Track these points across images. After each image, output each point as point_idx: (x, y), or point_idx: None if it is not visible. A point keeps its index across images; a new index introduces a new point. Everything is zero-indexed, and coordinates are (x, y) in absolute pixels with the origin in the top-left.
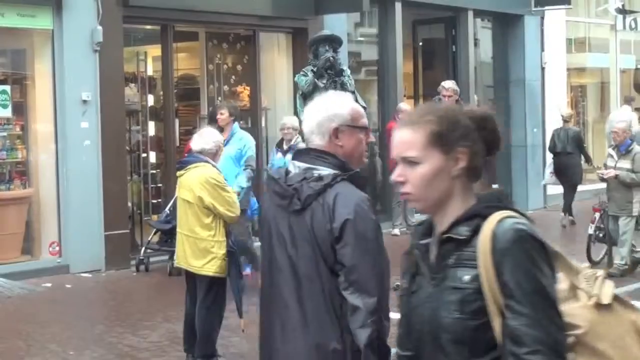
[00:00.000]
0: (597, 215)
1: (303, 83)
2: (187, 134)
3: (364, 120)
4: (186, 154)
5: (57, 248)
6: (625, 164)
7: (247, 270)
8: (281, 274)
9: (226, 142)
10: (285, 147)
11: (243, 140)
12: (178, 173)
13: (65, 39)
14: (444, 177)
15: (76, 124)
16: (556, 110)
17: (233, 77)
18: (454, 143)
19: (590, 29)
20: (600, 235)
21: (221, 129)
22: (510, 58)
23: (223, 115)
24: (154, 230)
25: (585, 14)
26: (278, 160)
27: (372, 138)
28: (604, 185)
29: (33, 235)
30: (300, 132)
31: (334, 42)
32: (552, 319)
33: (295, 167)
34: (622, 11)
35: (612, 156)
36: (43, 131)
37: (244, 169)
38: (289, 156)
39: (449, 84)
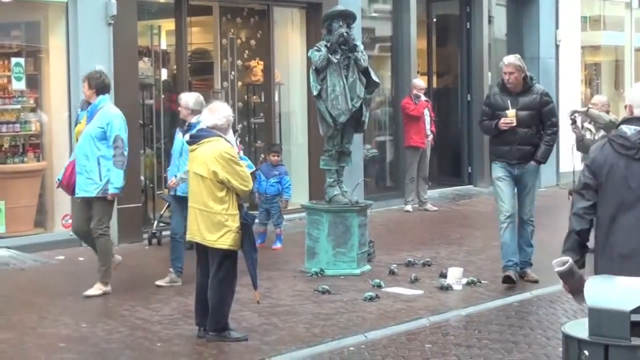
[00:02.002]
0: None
1: (316, 58)
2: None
3: None
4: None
5: (70, 221)
6: (601, 133)
7: (278, 245)
8: (622, 201)
9: (89, 119)
10: (185, 126)
11: (107, 118)
12: (190, 148)
13: (80, 12)
14: None
15: None
16: (571, 90)
17: (246, 51)
18: None
19: (605, 6)
20: None
21: (89, 104)
22: (524, 35)
23: (84, 88)
24: (167, 204)
25: None
26: (178, 140)
27: None
28: None
29: (46, 208)
30: (197, 111)
31: (347, 17)
32: None
33: (631, 129)
34: None
35: (590, 130)
36: (57, 104)
37: (114, 157)
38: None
39: (509, 59)
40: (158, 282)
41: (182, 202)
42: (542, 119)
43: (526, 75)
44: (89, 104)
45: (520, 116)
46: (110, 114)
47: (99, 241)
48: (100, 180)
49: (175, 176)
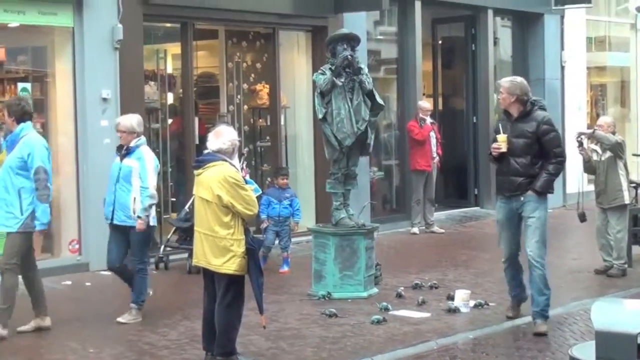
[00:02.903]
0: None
1: (321, 82)
2: (208, 131)
3: None
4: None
5: (77, 246)
6: (608, 154)
7: (285, 268)
8: None
9: (9, 149)
10: (123, 150)
11: (28, 147)
12: (196, 172)
13: (86, 36)
14: None
15: (96, 122)
16: (577, 110)
17: (252, 75)
18: None
19: (610, 27)
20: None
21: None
22: (530, 57)
23: (4, 117)
24: (174, 228)
25: (605, 12)
26: (114, 164)
27: None
28: None
29: (53, 233)
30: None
31: (352, 40)
32: None
33: None
34: None
35: (596, 151)
36: (63, 129)
37: (37, 191)
38: (128, 161)
39: (502, 80)
40: (119, 319)
41: (118, 230)
42: (544, 149)
43: (526, 99)
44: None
45: (515, 144)
46: (31, 143)
47: (5, 276)
48: (22, 214)
49: (140, 217)
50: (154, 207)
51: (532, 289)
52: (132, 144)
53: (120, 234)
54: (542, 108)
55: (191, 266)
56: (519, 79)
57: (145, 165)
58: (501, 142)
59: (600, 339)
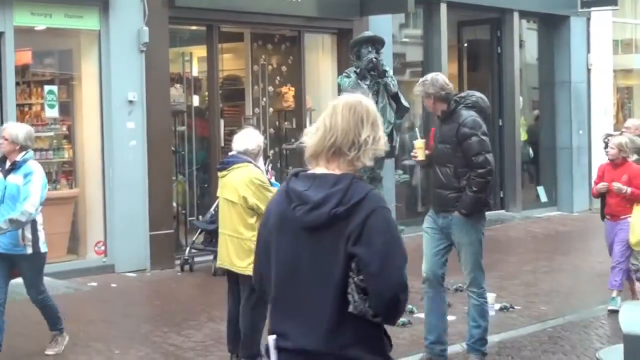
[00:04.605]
0: None
1: (346, 84)
2: (232, 134)
3: None
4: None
5: (103, 248)
6: (635, 156)
7: None
8: None
9: None
10: (7, 164)
11: None
12: (220, 174)
13: (112, 39)
14: None
15: (122, 124)
16: (603, 114)
17: (278, 77)
18: None
19: (637, 30)
20: None
21: None
22: (555, 59)
23: None
24: (199, 230)
25: (632, 15)
26: None
27: None
28: None
29: (79, 235)
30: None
31: (376, 43)
32: None
33: None
34: None
35: None
36: (89, 131)
37: None
38: (13, 177)
39: (416, 86)
40: (48, 352)
41: (4, 260)
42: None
43: (445, 94)
44: None
45: (439, 150)
46: None
47: None
48: None
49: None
50: (42, 232)
51: (469, 317)
52: (18, 158)
53: (7, 264)
54: (469, 106)
55: (216, 268)
56: (430, 75)
57: (32, 179)
58: (417, 149)
59: (628, 342)
